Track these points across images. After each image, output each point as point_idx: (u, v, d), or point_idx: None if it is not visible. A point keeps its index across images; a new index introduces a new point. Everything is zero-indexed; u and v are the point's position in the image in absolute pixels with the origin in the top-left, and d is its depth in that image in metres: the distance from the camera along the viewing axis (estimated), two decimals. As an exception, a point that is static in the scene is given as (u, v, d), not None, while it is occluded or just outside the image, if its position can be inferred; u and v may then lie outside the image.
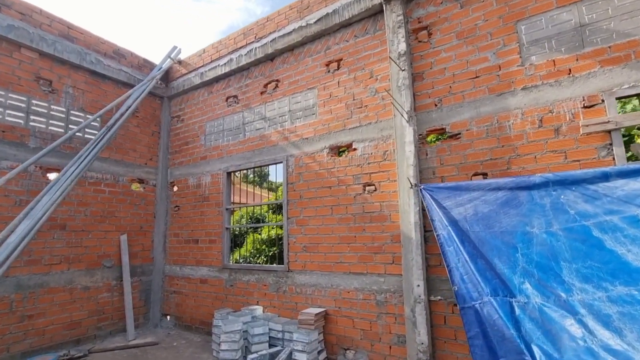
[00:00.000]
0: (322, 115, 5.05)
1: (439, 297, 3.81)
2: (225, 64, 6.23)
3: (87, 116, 6.08)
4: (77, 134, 5.86)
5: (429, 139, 4.15)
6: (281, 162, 5.38)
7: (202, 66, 6.62)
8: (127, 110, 5.83)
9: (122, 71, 6.58)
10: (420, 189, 3.48)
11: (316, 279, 4.76)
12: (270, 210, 12.10)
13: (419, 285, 3.79)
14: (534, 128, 3.51)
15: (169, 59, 7.07)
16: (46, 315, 5.27)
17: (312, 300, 4.76)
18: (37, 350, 5.10)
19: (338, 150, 4.86)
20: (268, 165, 5.59)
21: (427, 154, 4.11)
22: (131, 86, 6.69)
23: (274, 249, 9.16)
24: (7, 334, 4.86)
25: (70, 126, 5.83)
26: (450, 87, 4.05)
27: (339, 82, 4.95)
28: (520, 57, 3.66)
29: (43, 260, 5.32)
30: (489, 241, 2.80)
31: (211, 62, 6.48)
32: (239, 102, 6.14)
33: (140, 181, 6.80)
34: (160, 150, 7.19)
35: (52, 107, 5.65)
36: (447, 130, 4.01)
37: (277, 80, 5.65)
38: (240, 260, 7.96)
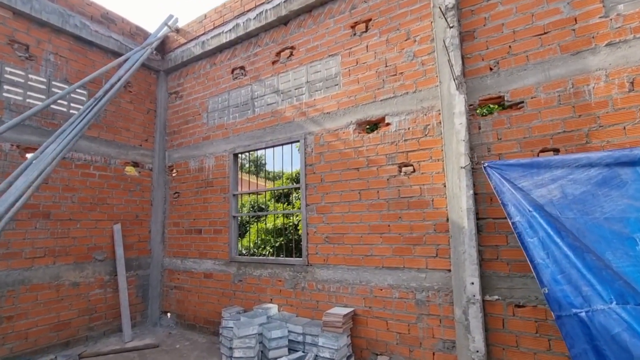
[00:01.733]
0: (346, 86, 4.35)
1: (496, 297, 3.21)
2: (230, 30, 5.46)
3: (72, 89, 5.29)
4: (61, 108, 5.10)
5: (482, 109, 3.48)
6: (298, 141, 4.69)
7: (204, 34, 5.83)
8: (118, 81, 5.05)
9: (112, 39, 5.77)
10: (485, 167, 2.83)
11: (341, 274, 4.14)
12: (274, 199, 11.44)
13: (472, 283, 3.18)
14: (623, 93, 2.86)
15: (165, 27, 6.26)
16: (29, 316, 4.60)
17: (336, 299, 4.15)
18: (19, 356, 4.44)
19: (367, 126, 4.18)
20: (282, 144, 4.89)
21: (479, 128, 3.45)
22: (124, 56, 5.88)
23: (281, 239, 8.53)
24: (-18, 339, 4.19)
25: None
26: (509, 46, 3.37)
27: (367, 47, 4.24)
28: (604, 6, 2.98)
29: (23, 253, 4.61)
30: (592, 230, 2.17)
31: (214, 28, 5.70)
32: (247, 73, 5.39)
33: (135, 164, 6.07)
34: (157, 131, 6.44)
35: (30, 76, 4.86)
36: (505, 98, 3.35)
37: (292, 48, 4.91)
38: (245, 252, 7.32)
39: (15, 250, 4.54)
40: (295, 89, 4.81)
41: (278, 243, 8.43)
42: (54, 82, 5.09)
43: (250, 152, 5.28)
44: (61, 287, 4.95)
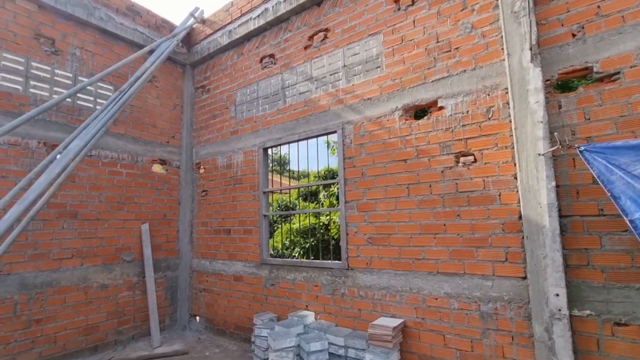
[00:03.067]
0: (390, 68, 3.86)
1: (588, 312, 2.62)
2: (259, 15, 5.10)
3: (99, 84, 5.12)
4: (87, 104, 4.92)
5: (562, 85, 2.90)
6: (335, 132, 4.25)
7: (231, 22, 5.51)
8: (143, 73, 4.81)
9: (138, 31, 5.57)
10: (581, 152, 2.27)
11: (387, 279, 3.65)
12: (301, 198, 11.07)
13: (557, 295, 2.61)
14: None
15: (191, 18, 6.00)
16: (57, 319, 4.43)
17: (382, 307, 3.67)
18: (47, 360, 4.28)
19: (415, 112, 3.67)
20: (317, 136, 4.46)
21: (559, 107, 2.87)
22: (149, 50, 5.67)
23: (311, 240, 8.13)
24: (11, 343, 4.04)
25: (78, 95, 4.89)
26: (598, 7, 2.77)
27: (414, 22, 3.73)
28: None
29: (51, 254, 4.45)
30: None
31: (241, 15, 5.36)
32: (277, 61, 5.01)
33: (162, 162, 5.85)
34: (184, 127, 6.20)
35: (57, 71, 4.71)
36: (594, 70, 2.75)
37: (326, 30, 4.47)
38: (273, 254, 6.97)
39: (43, 251, 4.38)
40: (331, 75, 4.37)
41: (308, 244, 8.04)
42: (80, 77, 4.93)
43: (281, 146, 4.89)
44: (89, 289, 4.76)
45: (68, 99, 4.76)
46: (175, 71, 6.21)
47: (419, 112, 3.64)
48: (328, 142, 10.16)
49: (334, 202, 9.27)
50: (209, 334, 5.47)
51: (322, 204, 9.44)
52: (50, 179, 3.01)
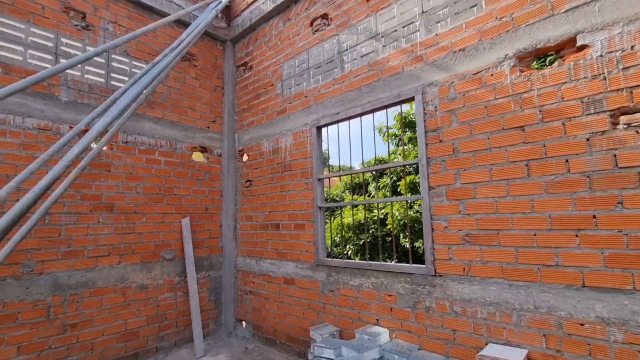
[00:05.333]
0: (494, 3, 2.83)
1: None
2: (308, -31, 4.26)
3: (133, 62, 4.60)
4: (121, 85, 4.41)
5: None
6: (411, 99, 3.30)
7: (275, -16, 4.74)
8: (179, 45, 4.18)
9: (174, 3, 4.99)
10: None
11: (497, 292, 2.66)
12: (347, 190, 10.18)
13: None
14: None
15: (230, -14, 5.33)
16: (94, 324, 3.96)
17: (488, 330, 2.69)
18: (84, 370, 3.82)
19: (536, 58, 2.62)
20: (386, 107, 3.54)
21: None
22: (186, 25, 5.09)
23: (365, 236, 7.23)
24: (45, 350, 3.61)
25: (112, 74, 4.39)
26: None
27: None
28: None
29: (86, 251, 3.99)
30: None
31: (287, -27, 4.56)
32: (331, 21, 4.15)
33: (203, 149, 5.25)
34: (225, 110, 5.56)
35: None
36: None
37: (396, -29, 3.52)
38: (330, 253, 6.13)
39: (78, 248, 3.93)
40: (403, 27, 3.41)
41: (362, 241, 7.14)
42: (113, 55, 4.43)
43: (339, 123, 4.02)
44: (127, 290, 4.27)
45: (101, 79, 4.28)
46: (215, 49, 5.58)
47: (543, 57, 2.57)
48: (380, 128, 9.15)
49: (387, 194, 8.28)
50: (257, 343, 4.79)
51: (373, 196, 8.49)
52: (67, 162, 2.40)
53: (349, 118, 3.87)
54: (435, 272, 3.01)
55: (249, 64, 5.34)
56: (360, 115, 3.75)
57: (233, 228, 5.34)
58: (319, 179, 4.15)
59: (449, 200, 2.98)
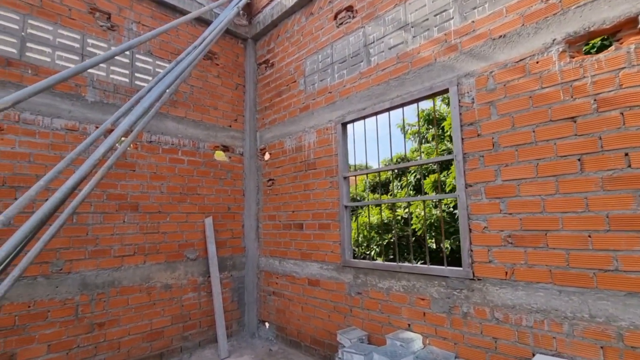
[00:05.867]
0: (537, -15, 2.61)
1: None
2: (331, -40, 4.13)
3: (157, 62, 4.60)
4: (144, 84, 4.41)
5: None
6: (445, 91, 3.11)
7: (297, -22, 4.63)
8: (201, 43, 4.13)
9: (196, 2, 4.97)
10: None
11: (545, 299, 2.44)
12: (369, 189, 9.97)
13: None
14: None
15: (251, -17, 5.26)
16: (120, 323, 3.97)
17: (535, 340, 2.47)
18: (111, 369, 3.83)
19: (588, 43, 2.38)
20: (417, 100, 3.36)
21: None
22: (208, 23, 5.06)
23: (388, 236, 7.02)
24: (73, 348, 3.63)
25: (136, 74, 4.40)
26: None
27: None
28: None
29: (112, 251, 4.00)
30: None
31: (309, -34, 4.44)
32: (357, 13, 4.00)
33: (225, 148, 5.21)
34: (247, 108, 5.51)
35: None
36: None
37: (426, -43, 3.33)
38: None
39: (104, 247, 3.94)
40: (435, 15, 3.23)
41: (386, 241, 6.94)
42: (137, 55, 4.44)
43: (366, 119, 3.86)
44: (152, 290, 4.26)
45: (125, 79, 4.30)
46: (236, 47, 5.54)
47: (598, 42, 2.34)
48: (402, 126, 8.90)
49: (411, 193, 8.04)
50: (281, 345, 4.70)
51: (395, 196, 8.27)
52: (94, 161, 2.36)
53: (376, 113, 3.71)
54: (474, 276, 2.81)
55: (271, 61, 5.25)
56: (389, 110, 3.58)
57: (255, 228, 5.27)
58: (345, 177, 4.01)
59: (489, 198, 2.78)
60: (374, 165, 9.78)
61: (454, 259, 6.47)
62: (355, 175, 4.21)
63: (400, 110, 3.55)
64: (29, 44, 3.63)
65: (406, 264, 3.32)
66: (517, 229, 2.61)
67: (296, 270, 4.54)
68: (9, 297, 3.27)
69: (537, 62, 2.57)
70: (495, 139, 2.77)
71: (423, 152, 8.65)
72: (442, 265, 3.13)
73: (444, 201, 6.44)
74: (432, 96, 3.24)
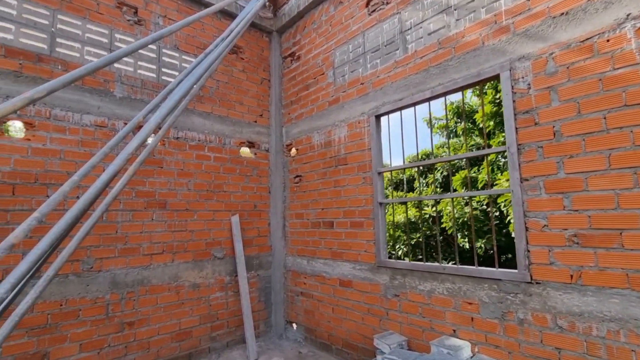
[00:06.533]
0: (608, -46, 2.32)
1: None
2: (363, -56, 3.91)
3: (183, 57, 4.52)
4: (171, 80, 4.33)
5: None
6: (495, 76, 2.85)
7: (325, -35, 4.44)
8: (228, 36, 4.00)
9: (221, -6, 4.85)
10: None
11: (621, 306, 2.17)
12: (391, 186, 9.70)
13: None
14: None
15: (276, -26, 5.11)
16: (149, 323, 3.90)
17: (608, 351, 2.20)
18: (141, 369, 3.76)
19: (674, 15, 2.09)
20: (461, 88, 3.11)
21: None
22: (233, 16, 4.94)
23: (417, 235, 6.76)
24: (105, 348, 3.58)
25: (162, 69, 4.32)
26: None
27: None
28: None
29: (141, 249, 3.93)
30: None
31: (339, -48, 4.24)
32: (391, -1, 3.77)
33: (250, 144, 5.09)
34: (272, 103, 5.37)
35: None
36: None
37: None
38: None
39: (133, 245, 3.88)
40: (483, -5, 2.97)
41: (414, 240, 6.68)
42: (164, 50, 4.36)
43: (403, 110, 3.64)
44: (181, 289, 4.18)
45: (153, 74, 4.22)
46: (261, 40, 5.40)
47: (686, 13, 2.05)
48: (429, 120, 8.54)
49: (437, 190, 7.73)
50: (310, 347, 4.54)
51: (420, 193, 7.99)
52: (127, 155, 2.25)
53: (414, 104, 3.48)
54: (532, 279, 2.56)
55: (297, 54, 5.09)
56: (429, 99, 3.34)
57: (282, 226, 5.12)
58: (379, 173, 3.80)
59: (549, 193, 2.51)
60: (397, 162, 9.47)
61: (486, 259, 6.15)
62: (391, 171, 3.98)
63: (426, 103, 3.32)
64: (58, 40, 3.59)
65: (450, 265, 3.09)
66: (585, 227, 2.34)
67: (326, 270, 4.37)
68: (42, 296, 3.22)
69: (608, 41, 2.29)
70: (556, 127, 2.50)
71: (449, 147, 8.31)
72: (495, 267, 2.87)
73: (476, 198, 6.13)
74: (479, 83, 2.98)
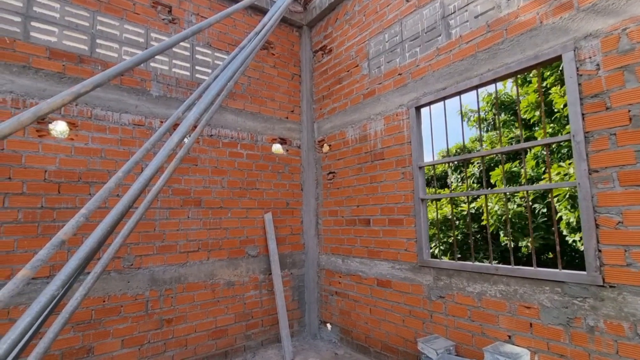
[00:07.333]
0: None
1: None
2: None
3: (216, 54, 4.50)
4: (205, 77, 4.33)
5: None
6: (556, 59, 2.59)
7: (358, -47, 4.27)
8: (260, 31, 3.93)
9: (251, -10, 4.79)
10: None
11: None
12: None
13: None
14: None
15: (306, -34, 4.99)
16: (187, 320, 3.91)
17: None
18: (179, 366, 3.77)
19: None
20: (516, 73, 2.86)
21: None
22: (263, 12, 4.89)
23: (456, 233, 6.46)
24: (144, 344, 3.61)
25: (196, 67, 4.32)
26: None
27: None
28: None
29: (178, 246, 3.94)
30: None
31: (373, -62, 4.06)
32: (431, -17, 3.55)
33: (282, 141, 5.02)
34: (303, 99, 5.27)
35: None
36: None
37: None
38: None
39: (170, 243, 3.89)
40: (539, -30, 2.70)
41: (450, 239, 6.39)
42: (197, 48, 4.36)
43: (446, 100, 3.42)
44: (216, 286, 4.17)
45: (187, 72, 4.23)
46: (291, 35, 5.32)
47: None
48: (464, 112, 8.20)
49: (473, 185, 7.37)
50: (346, 349, 4.41)
51: (456, 189, 7.63)
52: (169, 151, 2.20)
53: (459, 93, 3.25)
54: (604, 282, 2.29)
55: (328, 47, 4.95)
56: (477, 87, 3.11)
57: (315, 224, 5.02)
58: (420, 167, 3.59)
59: (624, 186, 2.23)
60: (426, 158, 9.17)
61: (530, 258, 5.77)
62: (434, 165, 3.78)
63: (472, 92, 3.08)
64: (98, 40, 3.65)
65: (505, 265, 2.85)
66: (672, 224, 2.05)
67: (362, 269, 4.21)
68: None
69: (701, 9, 1.99)
70: (633, 112, 2.22)
71: (484, 141, 7.91)
72: (559, 268, 2.61)
73: (519, 194, 5.76)
74: (536, 66, 2.72)
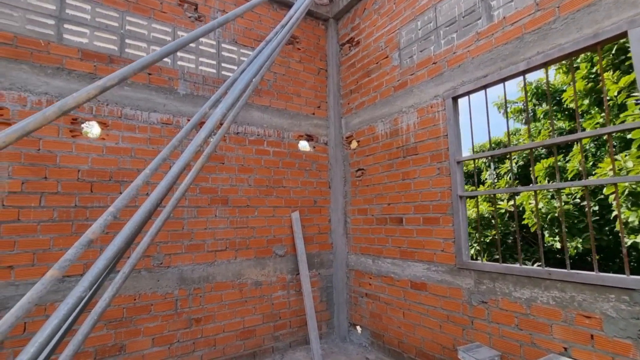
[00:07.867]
0: None
1: None
2: None
3: (241, 50, 4.44)
4: (230, 74, 4.27)
5: None
6: (620, 36, 2.28)
7: (387, -62, 4.06)
8: (285, 25, 3.80)
9: (276, -16, 4.70)
10: None
11: None
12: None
13: None
14: None
15: (332, -44, 4.83)
16: (215, 320, 3.87)
17: None
18: (209, 366, 3.74)
19: None
20: (569, 55, 2.55)
21: None
22: (288, 6, 4.78)
23: (492, 233, 6.09)
24: (174, 343, 3.60)
25: (222, 64, 4.28)
26: None
27: None
28: None
29: (206, 245, 3.91)
30: None
31: None
32: (469, -38, 3.28)
33: (309, 138, 4.89)
34: (330, 94, 5.11)
35: (201, 39, 4.16)
36: None
37: None
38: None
39: (198, 242, 3.87)
40: (599, -63, 2.39)
41: (489, 239, 6.02)
42: (223, 45, 4.31)
43: (487, 88, 3.14)
44: (244, 286, 4.10)
45: (213, 70, 4.19)
46: (317, 29, 5.17)
47: None
48: (500, 104, 7.70)
49: (509, 181, 6.91)
50: (377, 354, 4.22)
51: (491, 186, 7.21)
52: (196, 147, 2.12)
53: (502, 80, 2.97)
54: (685, 291, 1.97)
55: (355, 39, 4.77)
56: (524, 72, 2.82)
57: (343, 222, 4.85)
58: (458, 162, 3.34)
59: None
60: (468, 152, 8.73)
61: (577, 261, 5.31)
62: (474, 159, 3.51)
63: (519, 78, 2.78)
64: (127, 40, 3.67)
65: (559, 269, 2.56)
66: None
67: (395, 270, 4.00)
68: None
69: None
70: None
71: (522, 134, 7.41)
72: (626, 274, 2.31)
73: (565, 190, 5.31)
74: (596, 46, 2.41)
